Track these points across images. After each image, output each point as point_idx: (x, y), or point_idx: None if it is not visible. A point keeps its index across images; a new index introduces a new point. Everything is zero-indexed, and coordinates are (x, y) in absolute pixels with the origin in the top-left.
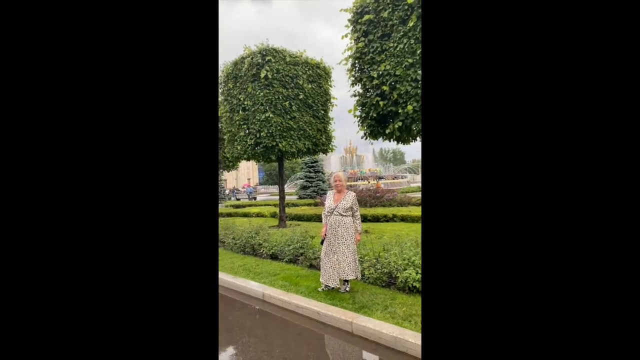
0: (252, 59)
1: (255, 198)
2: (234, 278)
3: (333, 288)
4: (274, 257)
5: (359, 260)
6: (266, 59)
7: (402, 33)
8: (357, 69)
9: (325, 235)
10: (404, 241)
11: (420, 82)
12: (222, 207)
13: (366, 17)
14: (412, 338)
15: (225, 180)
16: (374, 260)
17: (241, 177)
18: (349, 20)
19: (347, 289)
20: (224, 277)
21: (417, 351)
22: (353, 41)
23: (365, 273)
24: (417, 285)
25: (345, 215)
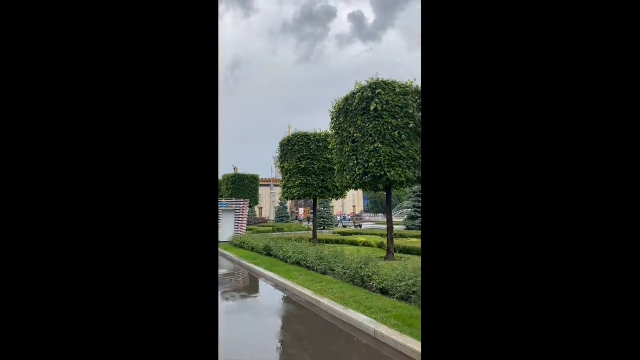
0: (362, 93)
1: (360, 226)
2: (344, 309)
3: None
4: (384, 291)
5: None
6: (376, 92)
7: None
8: None
9: None
10: None
11: None
12: (329, 234)
13: None
14: None
15: (333, 207)
16: None
17: (347, 204)
18: None
19: None
20: (334, 306)
21: None
22: None
23: None
24: None
25: None
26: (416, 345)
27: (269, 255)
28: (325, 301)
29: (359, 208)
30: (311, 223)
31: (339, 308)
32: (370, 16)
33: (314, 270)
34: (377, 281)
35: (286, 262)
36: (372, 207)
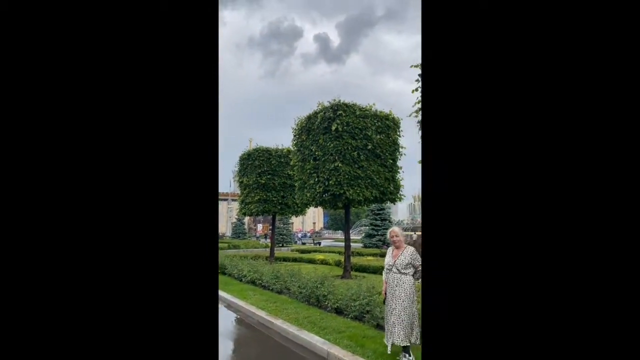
0: (324, 113)
1: (319, 243)
2: (298, 330)
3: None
4: (338, 311)
5: (418, 324)
6: (337, 113)
7: None
8: None
9: (386, 294)
10: None
11: None
12: (288, 251)
13: None
14: None
15: (292, 223)
16: None
17: (307, 221)
18: (419, 75)
19: None
20: (287, 327)
21: None
22: None
23: None
24: None
25: (404, 273)
26: None
27: (223, 273)
28: (279, 322)
29: (319, 225)
30: (269, 240)
31: (292, 329)
32: (335, 39)
33: (269, 289)
34: (332, 300)
35: (241, 280)
36: (332, 224)
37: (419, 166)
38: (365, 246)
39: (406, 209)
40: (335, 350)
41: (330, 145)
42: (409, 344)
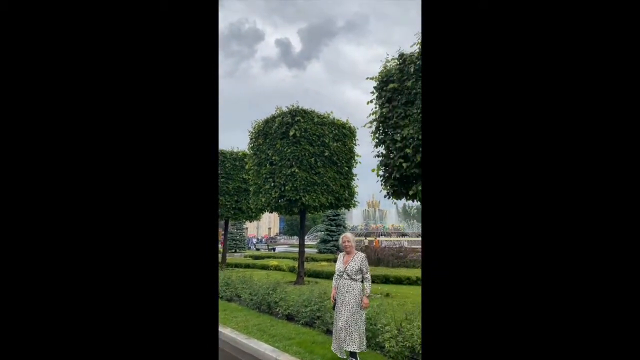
0: (282, 118)
1: (274, 249)
2: (247, 339)
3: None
4: (289, 317)
5: (369, 329)
6: (295, 119)
7: None
8: (380, 131)
9: (335, 299)
10: None
11: None
12: (241, 257)
13: (391, 85)
14: None
15: (247, 228)
16: (396, 332)
17: (263, 226)
18: (374, 87)
19: None
20: (236, 336)
21: None
22: (378, 106)
23: (386, 345)
24: None
25: (354, 279)
26: None
27: None
28: (227, 331)
29: (275, 230)
30: (221, 245)
31: (241, 338)
32: (296, 45)
33: (219, 297)
34: (284, 307)
35: None
36: (288, 229)
37: (373, 174)
38: (320, 252)
39: (361, 215)
40: (284, 357)
41: (287, 150)
42: (356, 350)
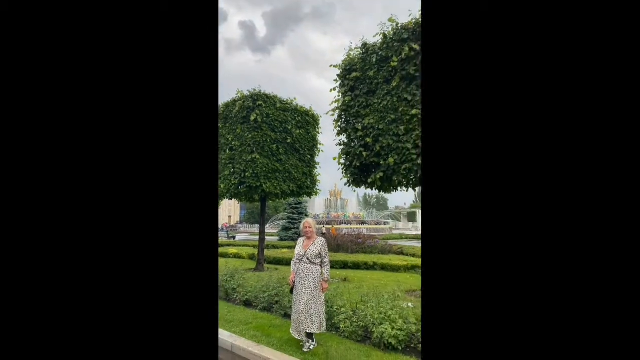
0: (243, 102)
1: (234, 237)
2: None
3: (308, 340)
4: (247, 303)
5: (326, 311)
6: (257, 104)
7: (385, 91)
8: (343, 120)
9: (294, 283)
10: (382, 293)
11: (401, 137)
12: None
13: (354, 74)
14: None
15: None
16: (351, 313)
17: (223, 214)
18: (337, 75)
19: (311, 347)
20: None
21: None
22: (341, 95)
23: (341, 326)
24: (393, 341)
25: (314, 263)
26: (271, 354)
27: None
28: None
29: (235, 218)
30: None
31: None
32: (261, 29)
33: None
34: (242, 293)
35: None
36: (249, 217)
37: (335, 165)
38: (281, 239)
39: (323, 203)
40: (240, 342)
41: (248, 135)
42: (315, 332)
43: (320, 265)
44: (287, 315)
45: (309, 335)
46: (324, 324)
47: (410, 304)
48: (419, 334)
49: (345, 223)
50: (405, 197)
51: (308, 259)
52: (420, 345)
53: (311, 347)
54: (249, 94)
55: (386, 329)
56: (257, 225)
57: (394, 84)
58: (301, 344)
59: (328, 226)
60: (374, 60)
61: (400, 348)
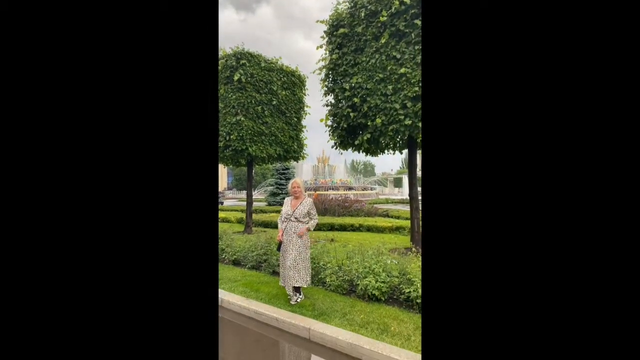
0: (226, 61)
1: (222, 203)
2: None
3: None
4: (236, 263)
5: (313, 267)
6: (240, 63)
7: (374, 49)
8: (330, 79)
9: (281, 240)
10: (367, 250)
11: (389, 97)
12: None
13: (341, 30)
14: (367, 344)
15: None
16: (337, 268)
17: None
18: (324, 32)
19: (298, 299)
20: None
21: (373, 357)
22: (328, 52)
23: (327, 280)
24: (376, 293)
25: (302, 222)
26: (259, 307)
27: None
28: None
29: (223, 185)
30: None
31: None
32: None
33: None
34: (230, 253)
35: None
36: (237, 184)
37: (322, 129)
38: (269, 204)
39: (311, 170)
40: (229, 297)
41: (232, 97)
42: (303, 285)
43: (308, 223)
44: (276, 273)
45: (297, 289)
46: (310, 279)
47: (394, 261)
48: (401, 287)
49: (333, 189)
50: (392, 164)
51: (296, 217)
52: (402, 297)
53: (298, 300)
54: (231, 52)
55: (370, 282)
56: (244, 192)
57: (383, 40)
58: (289, 297)
59: (311, 192)
60: (363, 14)
61: (383, 299)
